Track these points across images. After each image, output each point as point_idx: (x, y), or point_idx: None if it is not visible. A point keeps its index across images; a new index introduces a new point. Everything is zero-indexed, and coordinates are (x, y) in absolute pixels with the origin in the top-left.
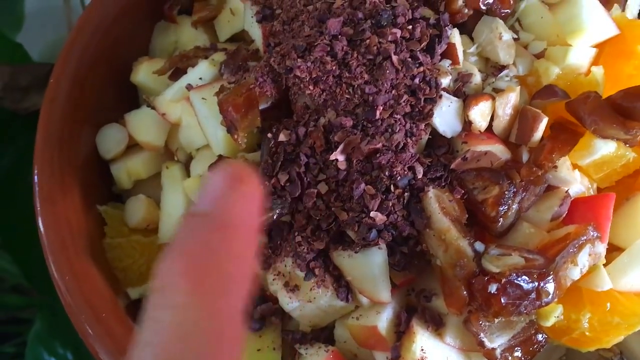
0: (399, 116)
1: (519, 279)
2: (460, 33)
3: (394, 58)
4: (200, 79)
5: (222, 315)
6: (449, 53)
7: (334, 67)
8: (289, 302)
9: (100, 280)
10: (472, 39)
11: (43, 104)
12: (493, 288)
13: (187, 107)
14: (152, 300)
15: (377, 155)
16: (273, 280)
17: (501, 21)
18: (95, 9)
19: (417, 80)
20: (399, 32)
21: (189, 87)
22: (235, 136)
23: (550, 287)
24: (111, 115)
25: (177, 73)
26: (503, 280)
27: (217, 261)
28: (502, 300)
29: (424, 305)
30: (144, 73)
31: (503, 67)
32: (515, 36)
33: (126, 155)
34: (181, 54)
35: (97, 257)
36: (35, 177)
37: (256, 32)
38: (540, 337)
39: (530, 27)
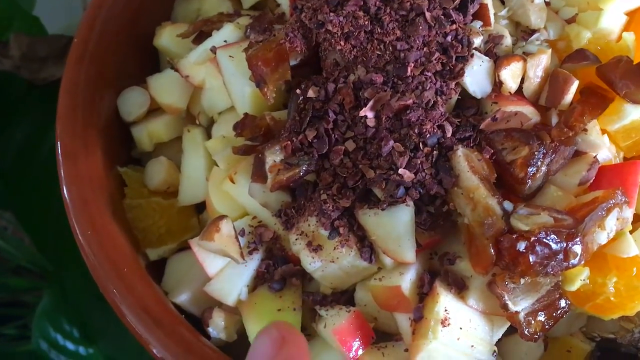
0: (429, 74)
1: (548, 237)
2: None
3: (427, 14)
4: (225, 41)
5: None
6: (481, 14)
7: (366, 22)
8: (311, 262)
9: (121, 237)
10: (502, 2)
11: (67, 64)
12: (522, 246)
13: (212, 69)
14: None
15: (407, 112)
16: (296, 240)
17: None
18: None
19: (449, 38)
20: None
21: (214, 49)
22: (265, 90)
23: (577, 248)
24: (132, 80)
25: (200, 37)
26: (532, 238)
27: None
28: (530, 259)
29: (447, 268)
30: (167, 37)
31: (533, 31)
32: (547, 0)
33: (147, 118)
34: (205, 19)
35: (118, 215)
36: (58, 136)
37: None
38: (563, 302)
39: None
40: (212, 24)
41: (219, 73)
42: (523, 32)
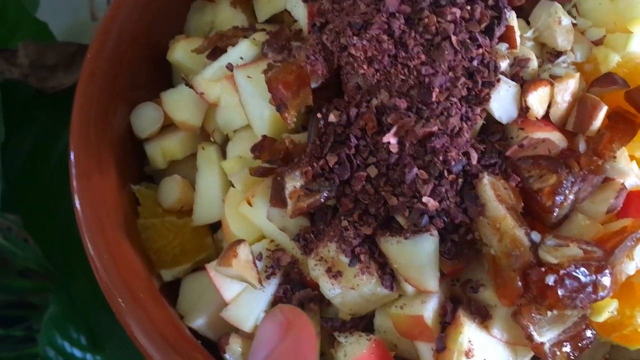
0: (455, 99)
1: (577, 271)
2: (517, 17)
3: (453, 38)
4: (241, 58)
5: None
6: (507, 36)
7: (390, 46)
8: (330, 289)
9: (136, 260)
10: (528, 23)
11: (80, 79)
12: (550, 280)
13: (227, 87)
14: None
15: (432, 139)
16: (315, 265)
17: (560, 5)
18: None
19: (475, 63)
20: (458, 12)
21: (230, 67)
22: (286, 115)
23: (607, 280)
24: (145, 94)
25: (215, 52)
26: (561, 272)
27: None
28: (559, 293)
29: (470, 296)
30: (181, 51)
31: (559, 53)
32: (574, 21)
33: (161, 134)
34: (220, 33)
35: (132, 236)
36: (72, 152)
37: (300, 12)
38: (589, 333)
39: (588, 14)
40: (227, 39)
41: (235, 91)
42: (549, 53)
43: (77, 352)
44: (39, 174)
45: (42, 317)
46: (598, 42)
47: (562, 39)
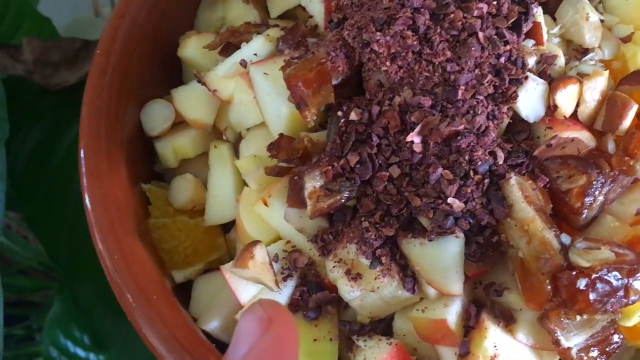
0: (481, 97)
1: (609, 274)
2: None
3: (480, 35)
4: (255, 54)
5: None
6: (533, 33)
7: (414, 43)
8: (349, 291)
9: (148, 261)
10: (553, 19)
11: (89, 75)
12: (582, 284)
13: (241, 84)
14: None
15: (458, 138)
16: (333, 267)
17: (587, 1)
18: None
19: (502, 60)
20: (485, 7)
21: (244, 63)
22: (306, 113)
23: (638, 284)
24: (155, 91)
25: (227, 48)
26: (593, 275)
27: None
28: (590, 297)
29: (494, 299)
30: (192, 47)
31: (586, 51)
32: (602, 18)
33: (172, 132)
34: (232, 29)
35: (143, 236)
36: (82, 150)
37: (316, 7)
38: (616, 337)
39: (614, 10)
40: (239, 35)
41: (249, 88)
42: (575, 50)
43: (80, 352)
44: (43, 172)
45: (42, 315)
46: (626, 39)
47: (590, 36)
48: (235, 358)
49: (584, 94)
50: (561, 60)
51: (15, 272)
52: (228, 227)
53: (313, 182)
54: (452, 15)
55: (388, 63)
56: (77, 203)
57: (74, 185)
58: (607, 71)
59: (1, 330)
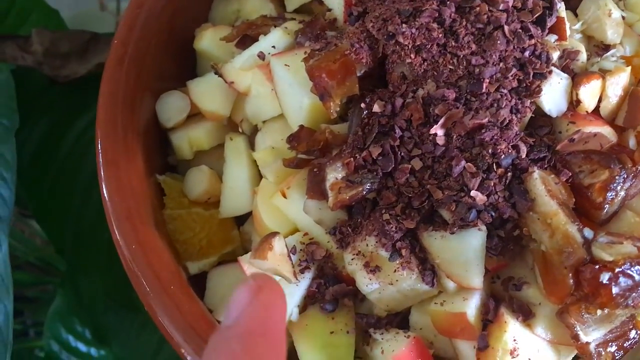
0: (505, 91)
1: (633, 269)
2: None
3: (506, 28)
4: (274, 47)
5: None
6: (556, 28)
7: (439, 35)
8: (368, 284)
9: (165, 251)
10: (575, 15)
11: (107, 65)
12: (605, 277)
13: (259, 76)
14: None
15: (482, 131)
16: (352, 260)
17: None
18: None
19: (527, 54)
20: (510, 1)
21: (262, 55)
22: (330, 104)
23: None
24: (169, 83)
25: (244, 41)
26: (616, 269)
27: None
28: (613, 291)
29: (512, 294)
30: (208, 39)
31: (607, 47)
32: (623, 14)
33: (187, 124)
34: (249, 22)
35: (160, 227)
36: (99, 140)
37: (335, 1)
38: (634, 333)
39: (635, 7)
40: (257, 27)
41: (266, 80)
42: (596, 47)
43: (81, 346)
44: (49, 164)
45: (37, 311)
46: None
47: (612, 32)
48: (226, 323)
49: (607, 90)
50: (583, 56)
51: (14, 267)
52: (242, 219)
53: (335, 174)
54: (478, 9)
55: (412, 55)
56: (84, 195)
57: (81, 178)
58: (630, 67)
59: (11, 324)
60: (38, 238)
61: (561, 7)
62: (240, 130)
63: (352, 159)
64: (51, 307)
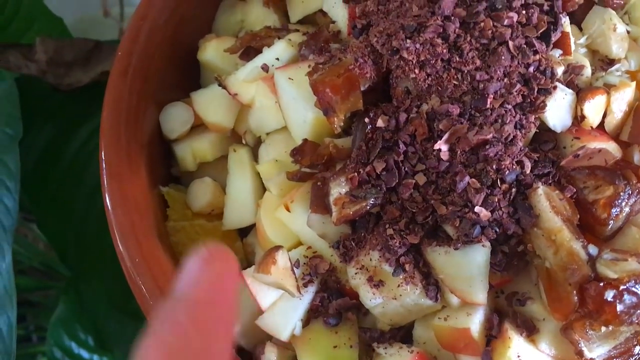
0: (509, 106)
1: (637, 286)
2: None
3: (510, 44)
4: (277, 59)
5: None
6: (561, 42)
7: (444, 51)
8: (371, 298)
9: (168, 264)
10: (580, 29)
11: (110, 77)
12: (610, 295)
13: (263, 88)
14: None
15: (486, 146)
16: (355, 274)
17: (614, 12)
18: None
19: (531, 69)
20: (515, 17)
21: (265, 67)
22: (334, 119)
23: None
24: (173, 94)
25: (248, 52)
26: (621, 287)
27: (187, 341)
28: (618, 308)
29: (516, 309)
30: (212, 51)
31: (612, 61)
32: (628, 29)
33: (190, 135)
34: (253, 33)
35: (163, 239)
36: (103, 152)
37: (339, 13)
38: (638, 349)
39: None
40: (261, 39)
41: (271, 92)
42: (601, 61)
43: (84, 353)
44: (52, 172)
45: (40, 315)
46: None
47: (617, 47)
48: (175, 293)
49: (612, 105)
50: (588, 71)
51: (17, 272)
52: (245, 231)
53: (339, 189)
54: (482, 24)
55: (417, 70)
56: (87, 203)
57: (84, 185)
58: (634, 82)
59: (14, 335)
60: (41, 242)
61: (566, 22)
62: (243, 141)
63: (355, 173)
64: (54, 314)
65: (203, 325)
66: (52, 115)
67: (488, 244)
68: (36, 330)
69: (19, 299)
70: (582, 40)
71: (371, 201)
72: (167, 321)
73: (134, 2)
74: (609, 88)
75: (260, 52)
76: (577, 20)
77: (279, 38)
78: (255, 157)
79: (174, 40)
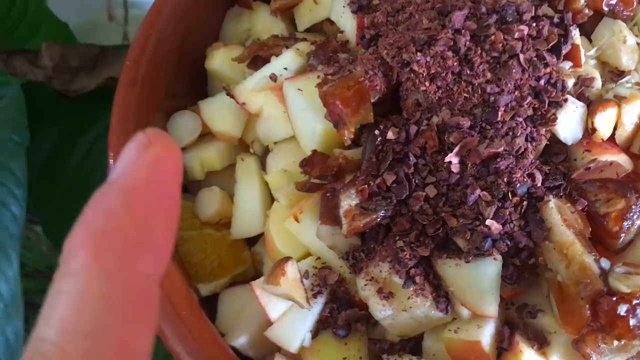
0: (520, 119)
1: None
2: None
3: (521, 57)
4: (286, 69)
5: (124, 282)
6: (571, 55)
7: (454, 64)
8: (381, 310)
9: (177, 274)
10: (589, 40)
11: (118, 88)
12: (622, 309)
13: (271, 98)
14: (55, 274)
15: (497, 159)
16: (365, 285)
17: (624, 24)
18: None
19: (542, 82)
20: (526, 30)
21: (274, 77)
22: (344, 131)
23: None
24: (180, 102)
25: (256, 61)
26: (634, 301)
27: (118, 227)
28: (631, 323)
29: (527, 321)
30: (220, 60)
31: (622, 73)
32: (638, 40)
33: (198, 144)
34: (260, 42)
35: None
36: (111, 162)
37: (348, 23)
38: None
39: None
40: (268, 48)
41: (279, 102)
42: (611, 72)
43: None
44: (58, 177)
45: None
46: None
47: (627, 59)
48: (110, 180)
49: (622, 117)
50: (598, 83)
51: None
52: (253, 239)
53: (349, 201)
54: (493, 37)
55: (427, 83)
56: None
57: (90, 192)
58: None
59: (22, 343)
60: (44, 244)
61: (576, 34)
62: (251, 150)
63: (366, 186)
64: None
65: (136, 211)
66: (58, 121)
67: (499, 257)
68: None
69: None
70: (592, 52)
71: (381, 213)
72: (98, 206)
73: (138, 4)
74: (619, 100)
75: (268, 61)
76: (587, 31)
77: (287, 47)
78: (263, 166)
79: (181, 49)
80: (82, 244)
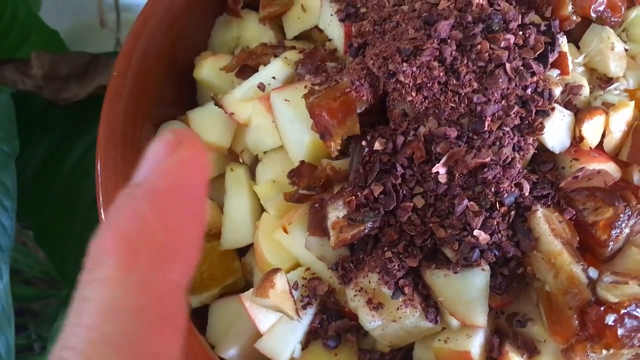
0: (507, 128)
1: (638, 310)
2: None
3: (507, 66)
4: (274, 78)
5: (157, 291)
6: (559, 63)
7: (440, 74)
8: (371, 321)
9: None
10: (577, 47)
11: (106, 99)
12: (610, 319)
13: (259, 107)
14: (81, 279)
15: (484, 169)
16: (354, 296)
17: (612, 30)
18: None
19: (529, 91)
20: (512, 38)
21: (262, 86)
22: (331, 143)
23: None
24: (169, 111)
25: (244, 70)
26: (622, 311)
27: (148, 232)
28: (618, 332)
29: (516, 330)
30: (208, 69)
31: (610, 79)
32: (626, 47)
33: None
34: (249, 51)
35: None
36: (99, 172)
37: (335, 31)
38: None
39: (638, 39)
40: (256, 57)
41: (267, 112)
42: (599, 79)
43: None
44: (50, 186)
45: (42, 324)
46: None
47: (615, 65)
48: (137, 180)
49: (610, 125)
50: (586, 90)
51: (18, 281)
52: (243, 249)
53: (336, 212)
54: (479, 47)
55: (413, 93)
56: (85, 218)
57: (82, 200)
58: (633, 101)
59: (13, 355)
60: (40, 251)
61: (563, 42)
62: (240, 160)
63: (353, 197)
64: (53, 327)
65: (166, 216)
66: (49, 130)
67: (487, 267)
68: (37, 339)
69: (20, 308)
70: (580, 59)
71: (369, 224)
72: (126, 209)
73: (130, 7)
74: (607, 107)
75: (257, 70)
76: (575, 38)
77: (275, 55)
78: (252, 175)
79: (169, 58)
80: (112, 249)
